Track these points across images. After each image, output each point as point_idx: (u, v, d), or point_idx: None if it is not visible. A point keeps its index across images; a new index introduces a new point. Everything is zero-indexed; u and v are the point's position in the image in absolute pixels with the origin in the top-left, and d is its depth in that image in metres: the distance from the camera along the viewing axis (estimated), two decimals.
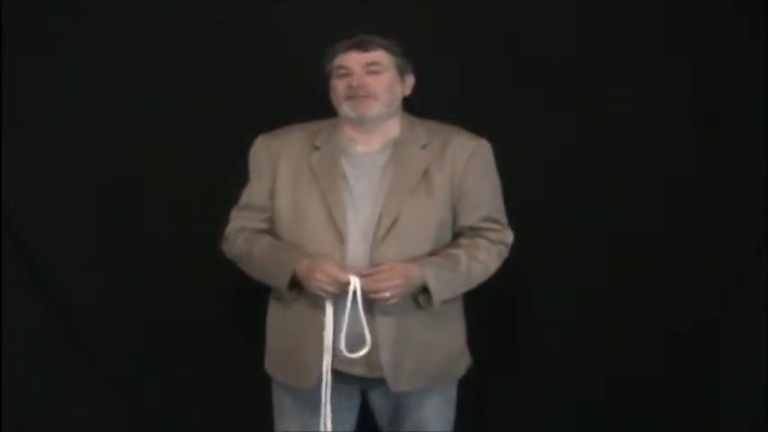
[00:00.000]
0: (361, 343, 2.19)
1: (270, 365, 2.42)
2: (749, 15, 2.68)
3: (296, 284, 2.25)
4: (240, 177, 2.39)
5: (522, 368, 2.86)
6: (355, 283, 2.17)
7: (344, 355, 2.19)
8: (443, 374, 2.39)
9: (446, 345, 2.38)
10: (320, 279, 2.18)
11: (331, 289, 2.18)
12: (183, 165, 2.74)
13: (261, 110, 2.65)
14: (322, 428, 2.25)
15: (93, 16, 2.68)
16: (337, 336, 2.20)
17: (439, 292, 2.24)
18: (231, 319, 2.83)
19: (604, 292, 2.79)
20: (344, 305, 2.18)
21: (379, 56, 2.26)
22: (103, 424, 2.83)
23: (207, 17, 2.70)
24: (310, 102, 2.45)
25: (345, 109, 2.27)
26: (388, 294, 2.18)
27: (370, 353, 2.21)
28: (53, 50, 2.69)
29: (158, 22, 2.69)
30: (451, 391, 2.45)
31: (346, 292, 2.17)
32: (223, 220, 2.40)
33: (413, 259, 2.24)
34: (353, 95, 2.25)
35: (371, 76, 2.25)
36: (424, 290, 2.25)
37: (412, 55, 2.33)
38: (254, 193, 2.36)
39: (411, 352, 2.28)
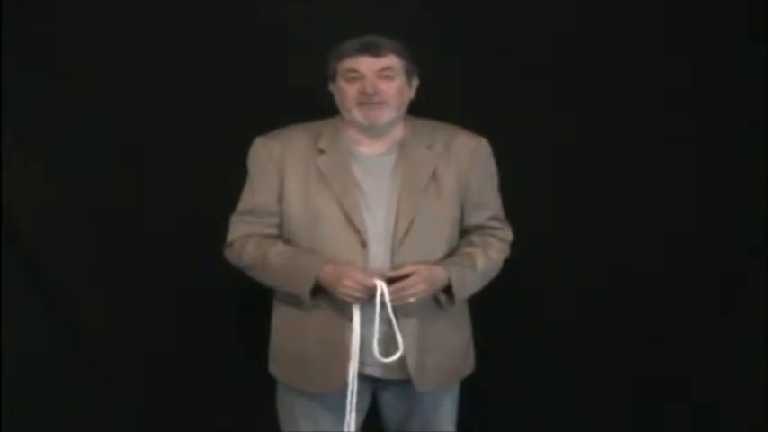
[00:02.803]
0: (389, 346, 2.20)
1: (281, 371, 2.39)
2: (749, 15, 2.68)
3: (316, 291, 2.23)
4: (240, 177, 2.39)
5: (522, 367, 2.86)
6: (382, 287, 2.16)
7: (377, 359, 2.20)
8: (458, 372, 2.42)
9: (460, 343, 2.40)
10: (349, 286, 2.17)
11: (359, 295, 2.17)
12: (183, 165, 2.73)
13: (261, 110, 2.65)
14: (346, 430, 2.25)
15: (93, 16, 2.68)
16: (368, 341, 2.20)
17: (461, 291, 2.27)
18: (232, 319, 2.83)
19: (604, 292, 2.79)
20: (371, 310, 2.17)
21: (391, 61, 2.24)
22: (103, 424, 2.83)
23: (207, 17, 2.70)
24: (310, 102, 2.45)
25: (356, 115, 2.25)
26: (412, 300, 2.19)
27: (388, 354, 2.22)
28: (53, 50, 2.68)
29: (158, 22, 2.69)
30: (457, 390, 2.47)
31: (373, 296, 2.17)
32: (223, 220, 2.38)
33: (432, 260, 2.25)
34: (367, 102, 2.23)
35: (384, 82, 2.23)
36: (446, 290, 2.26)
37: (413, 55, 2.33)
38: (258, 197, 2.32)
39: (433, 352, 2.30)
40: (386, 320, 2.18)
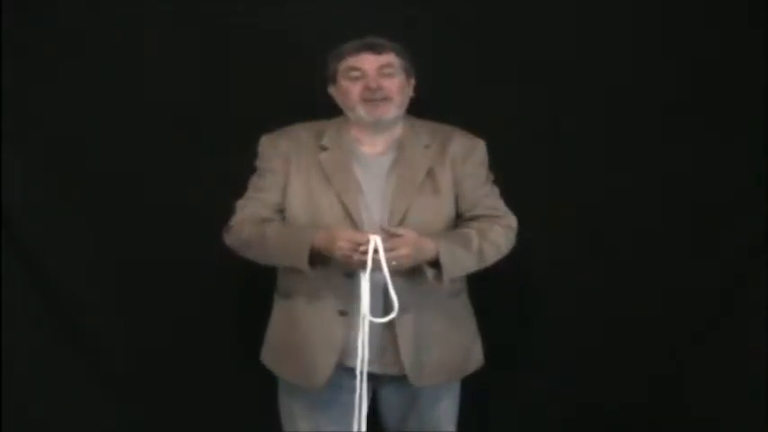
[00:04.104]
0: (383, 310, 2.19)
1: (278, 366, 2.41)
2: (749, 15, 2.68)
3: (314, 263, 2.22)
4: (240, 177, 2.39)
5: (522, 367, 2.86)
6: (376, 241, 2.14)
7: (371, 320, 2.17)
8: (459, 370, 2.42)
9: (460, 340, 2.40)
10: (343, 247, 2.15)
11: (353, 253, 2.14)
12: (184, 165, 2.73)
13: (261, 110, 2.65)
14: (355, 418, 2.24)
15: (93, 16, 2.68)
16: (360, 299, 2.17)
17: (450, 267, 2.23)
18: (232, 319, 2.83)
19: (604, 292, 2.79)
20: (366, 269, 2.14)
21: (392, 59, 2.29)
22: (103, 424, 2.83)
23: (207, 17, 2.70)
24: (310, 102, 2.45)
25: (360, 112, 2.28)
26: (394, 263, 2.15)
27: (385, 350, 2.25)
28: (54, 51, 2.68)
29: (159, 22, 2.69)
30: (458, 389, 2.48)
31: (369, 255, 2.13)
32: (224, 219, 2.38)
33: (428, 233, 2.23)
34: (371, 98, 2.26)
35: (386, 79, 2.27)
36: (435, 265, 2.23)
37: (411, 55, 2.34)
38: (264, 190, 2.35)
39: (431, 348, 2.30)
40: (382, 286, 2.15)
